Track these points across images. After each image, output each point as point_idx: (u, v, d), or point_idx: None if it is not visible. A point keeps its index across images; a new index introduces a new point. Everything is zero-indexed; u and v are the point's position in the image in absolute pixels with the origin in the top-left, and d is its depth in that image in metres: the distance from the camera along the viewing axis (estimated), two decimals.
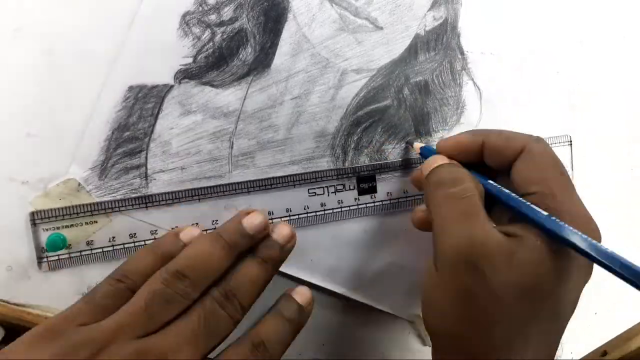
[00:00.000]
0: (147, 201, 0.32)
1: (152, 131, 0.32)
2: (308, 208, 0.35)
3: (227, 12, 0.33)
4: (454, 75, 0.38)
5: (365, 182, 0.36)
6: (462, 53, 0.38)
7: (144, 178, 0.32)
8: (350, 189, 0.36)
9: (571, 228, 0.24)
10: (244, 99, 0.33)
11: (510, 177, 0.29)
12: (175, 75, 0.32)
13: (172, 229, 0.32)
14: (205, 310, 0.26)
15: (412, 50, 0.37)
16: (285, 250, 0.29)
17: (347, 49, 0.35)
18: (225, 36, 0.33)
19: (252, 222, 0.28)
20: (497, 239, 0.25)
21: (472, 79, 0.38)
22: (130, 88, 0.31)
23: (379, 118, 0.36)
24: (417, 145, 0.36)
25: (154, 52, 0.31)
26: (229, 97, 0.33)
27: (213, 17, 0.32)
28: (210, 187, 0.33)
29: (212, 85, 0.33)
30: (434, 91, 0.38)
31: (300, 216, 0.35)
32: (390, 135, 0.37)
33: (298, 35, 0.34)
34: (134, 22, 0.31)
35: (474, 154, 0.31)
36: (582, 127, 0.42)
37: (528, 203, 0.26)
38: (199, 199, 0.33)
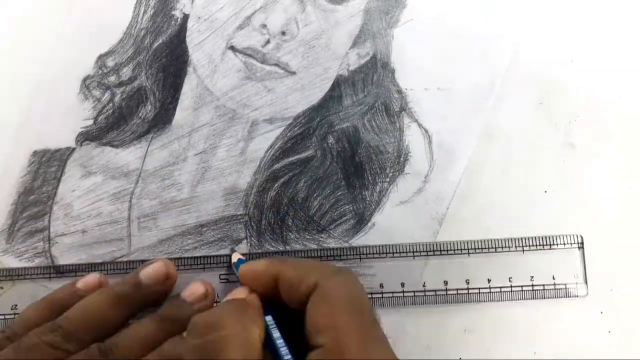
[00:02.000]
0: (51, 272, 0.32)
1: (55, 194, 0.32)
2: (219, 297, 0.31)
3: (126, 72, 0.32)
4: (391, 118, 0.32)
5: None
6: (399, 92, 0.32)
7: (47, 241, 0.32)
8: None
9: None
10: (144, 157, 0.32)
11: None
12: (76, 138, 0.32)
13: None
14: None
15: (335, 94, 0.32)
16: (194, 309, 0.27)
17: (255, 98, 0.32)
18: (124, 96, 0.32)
19: (147, 271, 0.28)
20: None
21: (416, 120, 0.32)
22: (35, 152, 0.32)
23: (300, 171, 0.32)
24: (235, 256, 0.30)
25: (57, 117, 0.32)
26: (128, 156, 0.32)
27: (112, 79, 0.32)
28: (111, 262, 0.31)
29: (113, 145, 0.32)
30: (367, 138, 0.32)
31: None
32: (315, 191, 0.32)
33: (200, 88, 0.32)
34: (37, 88, 0.32)
35: (272, 288, 0.25)
36: (579, 168, 0.32)
37: None
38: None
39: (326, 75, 0.32)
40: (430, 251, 0.31)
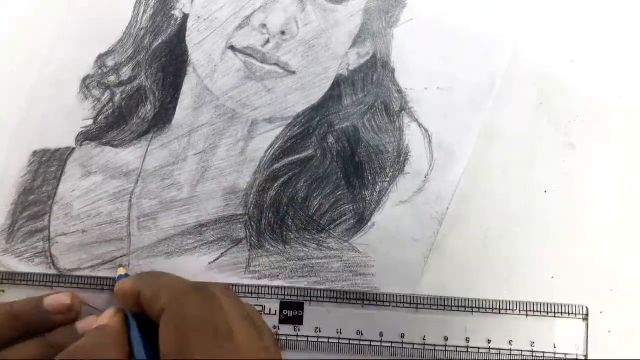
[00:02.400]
0: (52, 280, 0.32)
1: (55, 194, 0.32)
2: None
3: (126, 72, 0.32)
4: (391, 117, 0.32)
5: (291, 309, 0.31)
6: (399, 91, 0.32)
7: (47, 241, 0.32)
8: (270, 314, 0.31)
9: None
10: (144, 157, 0.32)
11: None
12: (76, 138, 0.32)
13: None
14: None
15: (335, 94, 0.32)
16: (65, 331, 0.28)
17: (255, 98, 0.32)
18: (124, 95, 0.32)
19: (53, 299, 0.28)
20: None
21: (416, 120, 0.32)
22: (35, 152, 0.32)
23: (300, 171, 0.32)
24: (120, 270, 0.31)
25: (57, 117, 0.32)
26: (128, 156, 0.32)
27: (112, 79, 0.32)
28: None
29: (112, 145, 0.32)
30: (367, 138, 0.32)
31: None
32: (315, 191, 0.32)
33: (199, 88, 0.32)
34: (37, 88, 0.32)
35: (139, 306, 0.24)
36: (579, 168, 0.32)
37: None
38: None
39: (326, 74, 0.32)
40: (434, 305, 0.30)
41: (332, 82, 0.32)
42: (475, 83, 0.32)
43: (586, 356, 0.30)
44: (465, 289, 0.31)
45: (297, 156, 0.32)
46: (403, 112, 0.32)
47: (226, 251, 0.32)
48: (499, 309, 0.30)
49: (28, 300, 0.28)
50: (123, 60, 0.32)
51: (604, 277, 0.31)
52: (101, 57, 0.32)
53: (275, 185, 0.32)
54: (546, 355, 0.30)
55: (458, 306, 0.30)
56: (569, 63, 0.32)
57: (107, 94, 0.32)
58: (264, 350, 0.22)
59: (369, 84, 0.32)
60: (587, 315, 0.30)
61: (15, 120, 0.32)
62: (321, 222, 0.31)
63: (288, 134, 0.32)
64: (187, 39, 0.32)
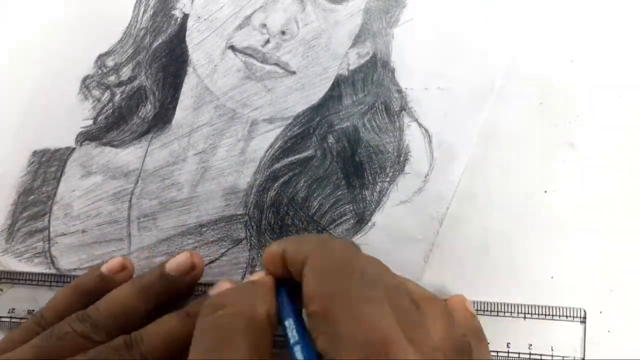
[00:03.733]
0: (52, 280, 0.32)
1: (55, 194, 0.32)
2: None
3: (126, 72, 0.32)
4: (391, 117, 0.32)
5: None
6: (399, 91, 0.32)
7: (47, 241, 0.32)
8: None
9: None
10: (144, 157, 0.32)
11: None
12: (76, 138, 0.32)
13: None
14: (96, 352, 0.25)
15: (335, 94, 0.32)
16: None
17: (255, 98, 0.32)
18: (124, 95, 0.32)
19: (172, 263, 0.28)
20: None
21: (417, 120, 0.32)
22: (35, 153, 0.32)
23: (300, 171, 0.32)
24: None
25: (57, 117, 0.32)
26: (128, 156, 0.32)
27: (112, 79, 0.32)
28: None
29: (112, 145, 0.32)
30: (367, 138, 0.32)
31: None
32: (315, 191, 0.32)
33: (199, 87, 0.32)
34: (37, 89, 0.32)
35: (286, 268, 0.24)
36: (579, 168, 0.32)
37: (295, 335, 0.21)
38: None
39: (326, 74, 0.32)
40: None
41: (332, 82, 0.32)
42: (475, 83, 0.32)
43: (583, 358, 0.30)
44: (465, 288, 0.31)
45: (297, 156, 0.32)
46: (403, 112, 0.32)
47: (226, 251, 0.32)
48: (497, 311, 0.30)
49: (150, 271, 0.28)
50: (123, 60, 0.32)
51: (603, 277, 0.31)
52: (101, 57, 0.32)
53: (275, 185, 0.32)
54: (544, 357, 0.30)
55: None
56: (569, 63, 0.32)
57: (107, 94, 0.32)
58: (412, 312, 0.21)
59: (369, 83, 0.32)
60: (584, 318, 0.30)
61: (15, 121, 0.32)
62: (321, 222, 0.31)
63: (288, 134, 0.32)
64: (187, 39, 0.32)
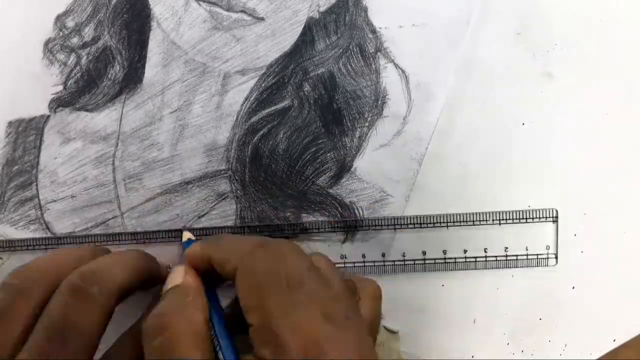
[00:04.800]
0: (46, 243, 0.33)
1: (38, 162, 0.32)
2: None
3: (88, 32, 0.31)
4: (366, 60, 0.31)
5: None
6: (373, 31, 0.31)
7: (38, 209, 0.33)
8: None
9: None
10: (120, 120, 0.32)
11: None
12: (49, 105, 0.32)
13: None
14: None
15: (307, 38, 0.31)
16: None
17: (225, 49, 0.31)
18: (91, 57, 0.31)
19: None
20: None
21: (393, 61, 0.31)
22: (10, 123, 0.32)
23: (278, 122, 0.32)
24: (185, 235, 0.31)
25: (26, 85, 0.31)
26: (104, 119, 0.32)
27: (75, 40, 0.31)
28: (107, 234, 0.32)
29: (87, 110, 0.32)
30: (343, 83, 0.31)
31: None
32: (295, 141, 0.32)
33: (166, 43, 0.31)
34: (0, 58, 0.31)
35: (211, 269, 0.25)
36: (562, 102, 0.31)
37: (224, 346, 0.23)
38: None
39: (296, 18, 0.31)
40: (410, 224, 0.32)
41: (303, 26, 0.31)
42: (451, 17, 0.31)
43: (556, 254, 0.32)
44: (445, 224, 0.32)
45: (274, 107, 0.32)
46: (379, 53, 0.31)
47: (214, 205, 0.32)
48: (473, 221, 0.32)
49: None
50: (83, 19, 0.31)
51: (578, 201, 0.32)
52: (60, 18, 0.31)
53: (255, 138, 0.32)
54: (519, 257, 0.32)
55: (434, 222, 0.32)
56: None
57: (72, 57, 0.31)
58: (332, 300, 0.22)
59: (342, 25, 0.31)
60: (556, 217, 0.32)
61: None
62: (305, 172, 0.32)
63: (263, 85, 0.32)
64: None
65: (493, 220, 0.32)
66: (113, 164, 0.32)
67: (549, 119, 0.32)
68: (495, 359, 0.32)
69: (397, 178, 0.32)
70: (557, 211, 0.32)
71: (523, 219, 0.32)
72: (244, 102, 0.32)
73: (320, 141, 0.32)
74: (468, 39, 0.31)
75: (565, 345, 0.33)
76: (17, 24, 0.31)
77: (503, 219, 0.32)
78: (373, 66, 0.31)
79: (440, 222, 0.32)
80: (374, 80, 0.31)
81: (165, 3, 0.30)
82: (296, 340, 0.20)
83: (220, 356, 0.23)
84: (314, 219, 0.32)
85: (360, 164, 0.32)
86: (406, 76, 0.31)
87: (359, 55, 0.31)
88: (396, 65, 0.31)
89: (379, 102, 0.32)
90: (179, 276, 0.26)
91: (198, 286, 0.25)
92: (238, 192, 0.32)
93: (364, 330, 0.22)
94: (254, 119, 0.32)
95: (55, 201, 0.33)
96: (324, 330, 0.21)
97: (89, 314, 0.24)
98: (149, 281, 0.28)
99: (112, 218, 0.33)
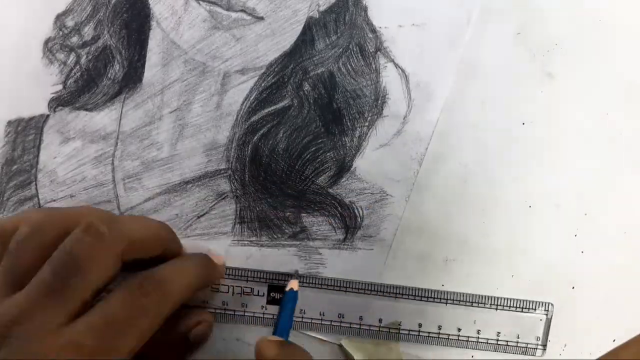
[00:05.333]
0: None
1: (37, 162, 0.32)
2: (207, 303, 0.32)
3: (88, 32, 0.31)
4: (366, 59, 0.31)
5: (277, 292, 0.32)
6: (373, 31, 0.31)
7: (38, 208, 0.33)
8: (258, 295, 0.32)
9: None
10: (120, 119, 0.32)
11: None
12: (49, 104, 0.32)
13: None
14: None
15: (307, 38, 0.31)
16: None
17: (225, 49, 0.31)
18: (90, 57, 0.31)
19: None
20: None
21: (393, 60, 0.31)
22: (9, 123, 0.32)
23: (278, 122, 0.32)
24: (293, 284, 0.31)
25: (26, 84, 0.31)
26: (104, 119, 0.32)
27: (75, 40, 0.31)
28: None
29: (86, 109, 0.32)
30: (343, 83, 0.31)
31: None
32: (295, 141, 0.32)
33: (166, 42, 0.31)
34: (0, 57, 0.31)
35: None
36: (562, 102, 0.31)
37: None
38: None
39: (296, 18, 0.31)
40: (410, 295, 0.32)
41: (302, 25, 0.31)
42: (451, 16, 0.31)
43: (545, 345, 0.33)
44: (445, 223, 0.32)
45: (274, 107, 0.32)
46: (378, 52, 0.31)
47: (214, 205, 0.32)
48: (472, 302, 0.32)
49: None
50: (83, 18, 0.31)
51: (578, 201, 0.32)
52: (59, 17, 0.31)
53: (255, 138, 0.32)
54: (509, 343, 0.32)
55: (433, 297, 0.32)
56: None
57: (72, 57, 0.31)
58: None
59: (342, 24, 0.31)
60: (550, 313, 0.32)
61: None
62: (304, 172, 0.32)
63: (262, 85, 0.32)
64: None
65: (491, 304, 0.32)
66: (112, 163, 0.32)
67: (549, 119, 0.32)
68: (495, 359, 0.32)
69: (397, 178, 0.32)
70: (552, 305, 0.32)
71: (519, 308, 0.32)
72: (243, 102, 0.32)
73: (320, 141, 0.32)
74: (468, 39, 0.31)
75: (565, 345, 0.33)
76: (17, 23, 0.31)
77: (500, 305, 0.32)
78: (373, 65, 0.31)
79: (440, 298, 0.32)
80: (373, 79, 0.31)
81: (165, 2, 0.30)
82: None
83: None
84: (314, 218, 0.32)
85: (360, 164, 0.32)
86: (406, 76, 0.31)
87: (359, 55, 0.31)
88: (396, 65, 0.31)
89: (379, 101, 0.32)
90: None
91: None
92: (238, 191, 0.32)
93: None
94: (254, 118, 0.32)
95: (54, 200, 0.33)
96: None
97: (97, 252, 0.23)
98: (165, 250, 0.28)
99: None
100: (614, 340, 0.32)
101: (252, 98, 0.32)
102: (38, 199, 0.33)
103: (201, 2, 0.30)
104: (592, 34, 0.31)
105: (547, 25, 0.31)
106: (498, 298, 0.32)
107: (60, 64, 0.31)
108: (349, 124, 0.32)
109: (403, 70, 0.31)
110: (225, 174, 0.32)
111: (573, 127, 0.32)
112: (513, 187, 0.32)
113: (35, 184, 0.32)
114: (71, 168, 0.32)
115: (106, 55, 0.31)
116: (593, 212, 0.32)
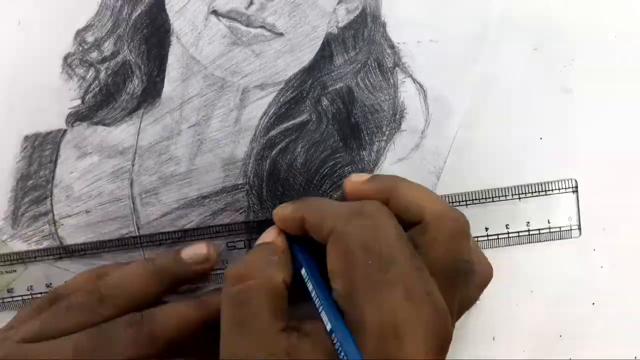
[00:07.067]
0: (61, 252, 0.32)
1: (53, 177, 0.32)
2: (226, 263, 0.31)
3: (108, 47, 0.31)
4: (384, 74, 0.31)
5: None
6: (391, 47, 0.31)
7: (52, 224, 0.32)
8: None
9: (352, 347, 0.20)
10: (138, 134, 0.32)
11: None
12: (67, 119, 0.32)
13: None
14: (102, 328, 0.25)
15: (326, 54, 0.31)
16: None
17: (244, 64, 0.31)
18: (109, 72, 0.31)
19: (190, 250, 0.29)
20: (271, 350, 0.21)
21: (411, 76, 0.31)
22: (26, 137, 0.32)
23: (296, 136, 0.32)
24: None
25: (44, 99, 0.31)
26: (121, 134, 0.32)
27: (94, 55, 0.31)
28: (119, 239, 0.32)
29: (104, 124, 0.32)
30: (361, 97, 0.32)
31: (218, 272, 0.31)
32: (313, 155, 0.32)
33: (185, 58, 0.31)
34: (19, 72, 0.31)
35: (302, 229, 0.25)
36: (579, 117, 0.32)
37: (324, 304, 0.22)
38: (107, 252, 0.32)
39: (315, 34, 0.31)
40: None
41: (322, 41, 0.31)
42: (468, 32, 0.31)
43: (579, 224, 0.32)
44: None
45: (293, 122, 0.32)
46: (397, 68, 0.31)
47: (231, 220, 0.32)
48: (492, 197, 0.32)
49: (165, 253, 0.29)
50: (103, 34, 0.31)
51: (596, 219, 0.32)
52: (80, 33, 0.31)
53: (273, 152, 0.32)
54: (542, 231, 0.32)
55: (452, 201, 0.32)
56: (564, 5, 0.31)
57: (91, 72, 0.31)
58: (416, 273, 0.22)
59: (360, 40, 0.31)
60: (576, 187, 0.32)
61: (2, 107, 0.31)
62: (322, 186, 0.32)
63: (281, 100, 0.32)
64: (167, 7, 0.31)
65: (512, 195, 0.32)
66: (130, 178, 0.32)
67: (567, 134, 0.32)
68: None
69: None
70: (576, 181, 0.32)
71: (542, 191, 0.32)
72: (262, 117, 0.32)
73: (338, 155, 0.32)
74: (485, 55, 0.31)
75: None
76: (37, 38, 0.31)
77: (522, 193, 0.32)
78: (391, 81, 0.32)
79: (459, 201, 0.31)
80: (392, 94, 0.32)
81: (185, 18, 0.31)
82: (374, 320, 0.20)
83: (323, 316, 0.22)
84: None
85: None
86: (424, 91, 0.32)
87: (377, 70, 0.31)
88: (414, 80, 0.32)
89: (397, 116, 0.32)
90: (271, 235, 0.27)
91: (285, 248, 0.26)
92: (255, 206, 0.32)
93: (442, 306, 0.21)
94: (272, 133, 0.32)
95: (70, 216, 0.32)
96: (402, 311, 0.20)
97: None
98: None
99: (127, 234, 0.32)
100: (635, 357, 0.32)
101: (270, 113, 0.32)
102: (53, 214, 0.32)
103: (221, 18, 0.31)
104: (608, 49, 0.31)
105: (564, 41, 0.31)
106: (521, 186, 0.31)
107: (79, 79, 0.31)
108: (367, 138, 0.32)
109: (421, 85, 0.32)
110: (243, 189, 0.32)
111: (590, 142, 0.32)
112: (531, 202, 0.32)
113: (51, 200, 0.32)
114: (87, 183, 0.32)
115: (125, 70, 0.31)
116: (612, 228, 0.32)
